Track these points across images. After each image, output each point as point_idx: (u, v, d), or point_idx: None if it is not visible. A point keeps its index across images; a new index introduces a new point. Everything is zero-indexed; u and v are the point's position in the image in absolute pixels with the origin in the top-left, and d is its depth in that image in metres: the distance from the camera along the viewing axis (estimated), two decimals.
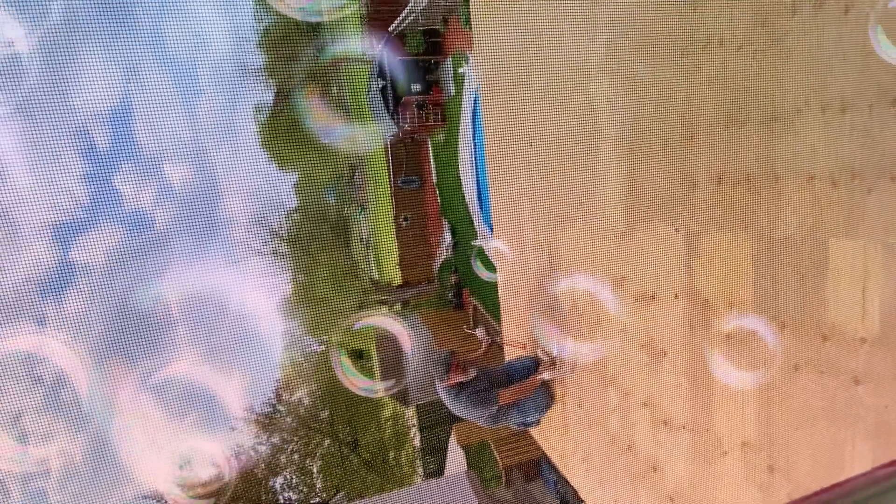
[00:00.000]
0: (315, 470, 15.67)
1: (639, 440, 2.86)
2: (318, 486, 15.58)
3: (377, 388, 3.30)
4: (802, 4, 1.68)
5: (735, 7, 1.92)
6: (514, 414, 3.59)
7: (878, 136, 1.52)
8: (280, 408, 15.99)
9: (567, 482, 3.80)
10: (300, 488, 15.29)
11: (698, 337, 2.34)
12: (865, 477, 0.72)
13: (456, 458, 12.53)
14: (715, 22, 2.02)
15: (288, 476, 15.21)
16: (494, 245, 3.36)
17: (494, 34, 3.97)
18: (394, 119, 12.46)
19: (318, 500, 15.32)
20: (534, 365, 3.68)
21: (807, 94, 1.70)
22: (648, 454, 2.79)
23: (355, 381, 2.96)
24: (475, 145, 10.87)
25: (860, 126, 1.56)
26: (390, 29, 12.32)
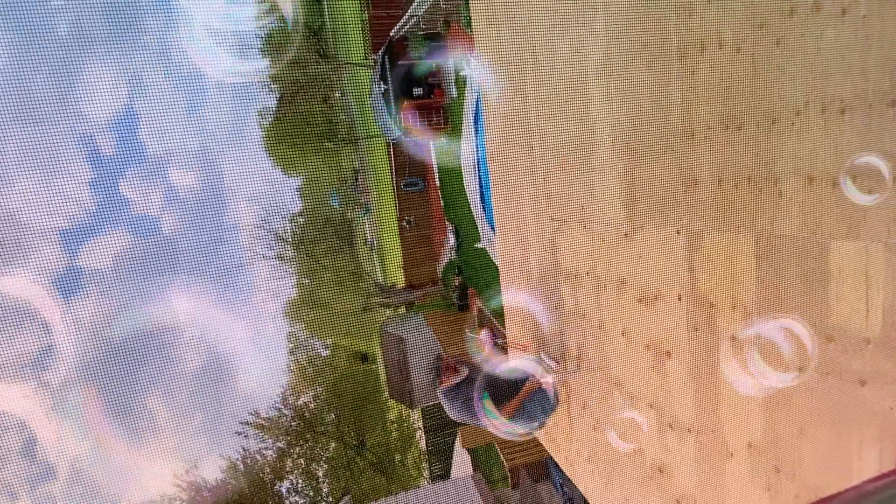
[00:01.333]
0: (321, 473, 15.71)
1: (645, 442, 2.85)
2: (325, 489, 15.61)
3: (521, 430, 3.29)
4: (800, 6, 1.68)
5: (733, 9, 1.92)
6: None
7: (877, 137, 1.52)
8: (286, 411, 16.04)
9: (573, 484, 3.80)
10: (306, 492, 15.32)
11: (702, 338, 2.33)
12: (870, 484, 0.72)
13: (462, 461, 12.51)
14: (713, 24, 2.02)
15: (294, 479, 15.25)
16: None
17: (495, 37, 3.99)
18: (396, 122, 12.51)
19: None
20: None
21: (806, 95, 1.70)
22: (654, 456, 2.78)
23: (498, 424, 3.02)
24: (477, 147, 10.88)
25: (859, 127, 1.56)
26: (392, 33, 12.38)
